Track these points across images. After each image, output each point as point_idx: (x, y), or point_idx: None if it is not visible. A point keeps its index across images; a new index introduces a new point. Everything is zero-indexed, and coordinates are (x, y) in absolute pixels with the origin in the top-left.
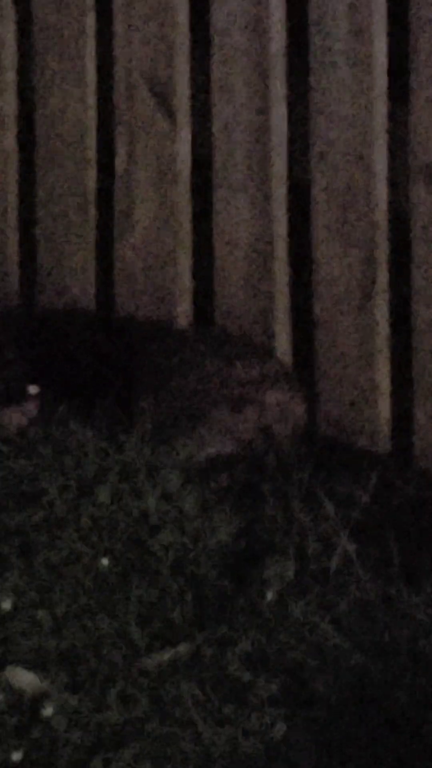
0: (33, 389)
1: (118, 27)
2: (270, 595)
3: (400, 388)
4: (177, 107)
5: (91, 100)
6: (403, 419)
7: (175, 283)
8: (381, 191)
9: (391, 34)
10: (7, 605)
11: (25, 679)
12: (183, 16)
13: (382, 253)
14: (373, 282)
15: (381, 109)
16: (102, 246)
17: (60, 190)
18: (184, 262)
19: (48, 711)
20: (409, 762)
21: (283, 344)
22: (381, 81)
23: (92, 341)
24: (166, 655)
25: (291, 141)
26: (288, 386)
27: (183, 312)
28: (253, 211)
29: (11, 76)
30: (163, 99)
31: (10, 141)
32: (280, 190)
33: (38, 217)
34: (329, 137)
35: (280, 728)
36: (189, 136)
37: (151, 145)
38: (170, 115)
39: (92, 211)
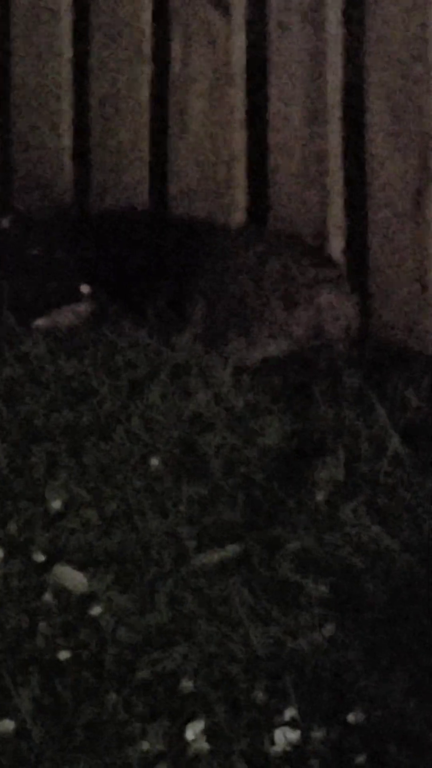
0: (85, 289)
1: None
2: (320, 497)
3: None
4: (232, 5)
5: None
6: None
7: (230, 183)
8: None
9: None
10: (56, 504)
11: (73, 578)
12: None
13: None
14: (427, 185)
15: None
16: (156, 145)
17: (115, 89)
18: (239, 161)
19: (96, 610)
20: None
21: (336, 246)
22: None
23: (145, 241)
24: (216, 556)
25: (346, 41)
26: (342, 288)
27: (237, 212)
28: (309, 110)
29: None
30: None
31: (65, 42)
32: (335, 91)
33: (92, 116)
34: (385, 38)
35: (329, 629)
36: (244, 35)
37: (206, 45)
38: (225, 13)
39: (147, 110)
